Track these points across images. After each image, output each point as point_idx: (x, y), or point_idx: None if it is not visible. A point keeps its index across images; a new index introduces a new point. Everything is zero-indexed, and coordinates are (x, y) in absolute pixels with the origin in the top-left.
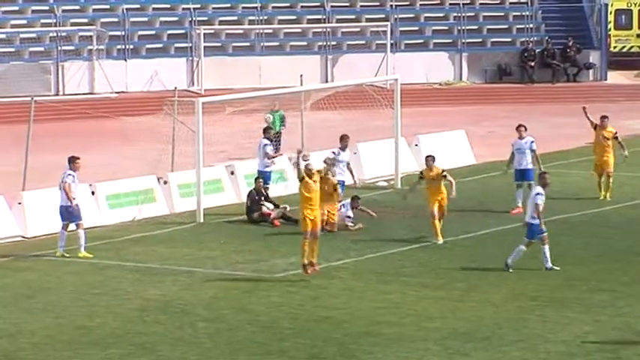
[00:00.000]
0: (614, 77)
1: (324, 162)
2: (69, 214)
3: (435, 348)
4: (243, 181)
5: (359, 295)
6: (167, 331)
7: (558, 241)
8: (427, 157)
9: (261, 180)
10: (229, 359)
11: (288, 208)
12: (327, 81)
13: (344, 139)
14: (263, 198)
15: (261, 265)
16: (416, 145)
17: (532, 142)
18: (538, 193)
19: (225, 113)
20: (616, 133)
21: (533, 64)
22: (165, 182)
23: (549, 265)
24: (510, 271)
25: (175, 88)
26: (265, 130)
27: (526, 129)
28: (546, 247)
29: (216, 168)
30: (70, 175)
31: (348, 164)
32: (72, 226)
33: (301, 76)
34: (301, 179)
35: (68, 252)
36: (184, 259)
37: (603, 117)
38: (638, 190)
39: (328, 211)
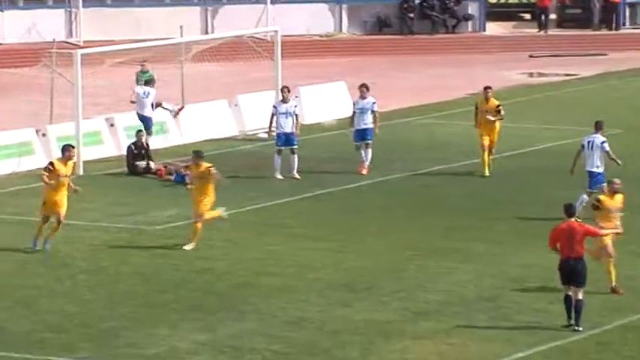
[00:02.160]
0: (493, 28)
1: None
2: None
3: (316, 299)
4: (123, 134)
5: (239, 246)
6: (47, 283)
7: (438, 192)
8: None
9: (142, 133)
10: (110, 311)
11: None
12: (207, 32)
13: (283, 91)
14: (144, 151)
15: (141, 218)
16: (296, 96)
17: (374, 102)
18: (604, 142)
19: (104, 65)
20: (499, 106)
21: (412, 15)
22: (43, 135)
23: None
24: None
25: (53, 39)
26: (146, 83)
27: (368, 89)
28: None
29: (95, 120)
30: None
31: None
32: None
33: (181, 27)
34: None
35: None
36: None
37: (487, 88)
38: (516, 142)
39: None
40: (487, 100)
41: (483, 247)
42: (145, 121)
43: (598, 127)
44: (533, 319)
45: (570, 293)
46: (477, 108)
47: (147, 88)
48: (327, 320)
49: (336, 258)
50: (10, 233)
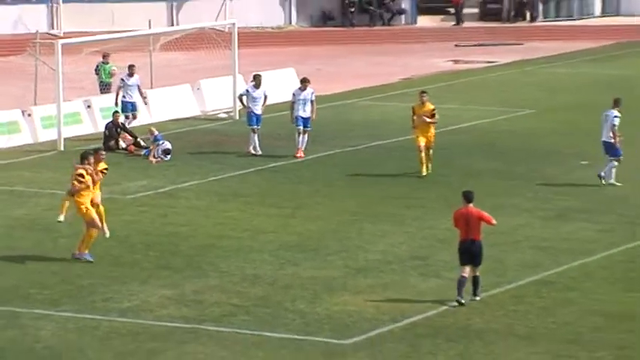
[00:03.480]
0: (423, 21)
1: None
2: None
3: (269, 258)
4: (99, 114)
5: (202, 213)
6: (32, 245)
7: (375, 165)
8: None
9: (118, 113)
10: (87, 270)
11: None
12: (172, 25)
13: (256, 78)
14: (119, 130)
15: (115, 188)
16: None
17: (312, 92)
18: (616, 116)
19: (82, 54)
20: (434, 109)
21: (353, 10)
22: (29, 115)
23: (612, 180)
24: (603, 182)
25: (37, 31)
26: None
27: (309, 82)
28: (614, 163)
29: (74, 102)
30: None
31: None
32: None
33: (149, 20)
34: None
35: None
36: (47, 182)
37: (422, 92)
38: (444, 120)
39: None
40: (423, 104)
41: (415, 212)
42: (133, 105)
43: (615, 103)
44: (459, 276)
45: (466, 275)
46: (413, 112)
47: (133, 78)
48: (279, 277)
49: (286, 222)
50: None
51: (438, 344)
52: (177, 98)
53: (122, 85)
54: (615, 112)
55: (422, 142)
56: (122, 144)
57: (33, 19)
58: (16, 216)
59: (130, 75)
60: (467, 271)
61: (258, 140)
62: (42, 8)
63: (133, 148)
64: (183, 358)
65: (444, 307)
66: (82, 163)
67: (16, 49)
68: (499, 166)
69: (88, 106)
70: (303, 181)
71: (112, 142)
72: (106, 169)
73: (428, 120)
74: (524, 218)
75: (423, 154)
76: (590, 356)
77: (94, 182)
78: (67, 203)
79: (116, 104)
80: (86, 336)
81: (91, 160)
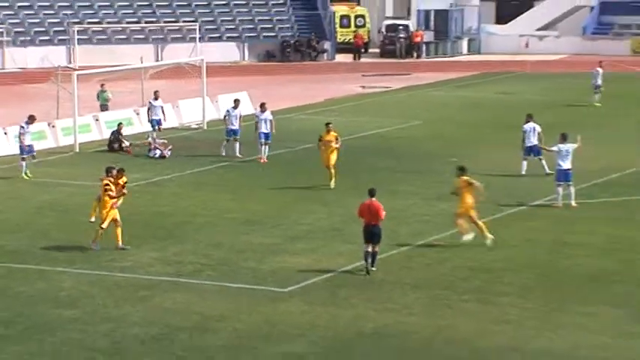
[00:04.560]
0: (340, 58)
1: None
2: (21, 150)
3: (229, 230)
4: (104, 126)
5: (181, 197)
6: (55, 222)
7: (307, 161)
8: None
9: (122, 124)
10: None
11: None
12: (158, 60)
13: (236, 101)
14: (120, 136)
15: None
16: (216, 101)
17: (270, 113)
18: (538, 125)
19: (92, 82)
20: (337, 136)
21: (289, 50)
22: (52, 126)
23: (547, 170)
24: (547, 171)
25: (58, 65)
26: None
27: (265, 106)
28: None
29: (86, 117)
30: (22, 126)
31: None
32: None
33: (141, 57)
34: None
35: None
36: (65, 175)
37: (327, 124)
38: (354, 129)
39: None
40: (328, 132)
41: (333, 197)
42: (158, 121)
43: (530, 117)
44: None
45: (369, 250)
46: (320, 139)
47: (158, 101)
48: (236, 243)
49: (242, 205)
50: (28, 189)
51: (351, 291)
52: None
53: (150, 106)
54: (535, 125)
55: (328, 162)
56: (125, 143)
57: (56, 56)
58: (43, 200)
59: (155, 99)
60: (369, 247)
61: (239, 147)
62: (62, 48)
63: (130, 150)
64: (166, 302)
65: (355, 265)
66: (106, 175)
67: (43, 78)
68: (394, 162)
69: (96, 120)
70: (255, 174)
71: (116, 145)
72: (125, 182)
73: (334, 145)
74: (412, 200)
75: (331, 171)
76: (459, 298)
77: (117, 192)
78: (95, 205)
79: (148, 120)
80: (95, 287)
81: (114, 173)
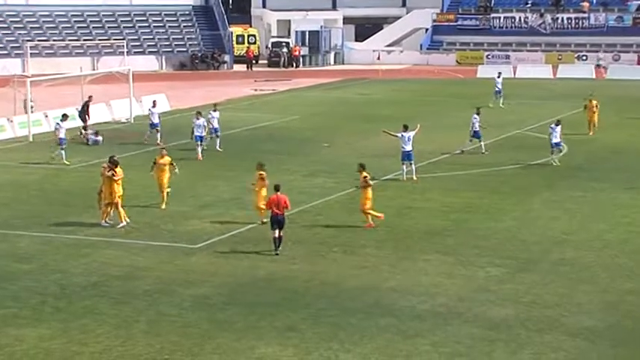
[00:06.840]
0: (237, 67)
1: None
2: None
3: (152, 201)
4: (52, 121)
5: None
6: (14, 196)
7: (214, 147)
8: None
9: (67, 116)
10: (45, 206)
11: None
12: (94, 70)
13: (198, 113)
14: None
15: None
16: (140, 101)
17: (204, 121)
18: (478, 116)
19: (42, 86)
20: (171, 161)
21: (197, 61)
22: (11, 121)
23: (484, 151)
24: (484, 152)
25: (15, 74)
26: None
27: (201, 114)
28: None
29: (37, 114)
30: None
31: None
32: None
33: (81, 67)
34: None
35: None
36: (22, 159)
37: (162, 149)
38: (249, 122)
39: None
40: (162, 157)
41: (233, 174)
42: (155, 125)
43: (477, 111)
44: (271, 237)
45: (276, 235)
46: (155, 162)
47: (155, 109)
48: (157, 211)
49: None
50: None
51: (247, 247)
52: (98, 111)
53: (149, 113)
54: (476, 116)
55: (162, 181)
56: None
57: (13, 67)
58: (5, 179)
59: (154, 106)
60: (276, 233)
61: (201, 149)
62: (18, 61)
63: (84, 134)
64: (103, 257)
65: (251, 226)
66: (115, 165)
67: (3, 84)
68: (279, 147)
69: (46, 116)
70: (174, 158)
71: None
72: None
73: (176, 171)
74: (293, 176)
75: (164, 194)
76: (330, 250)
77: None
78: (99, 198)
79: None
80: (46, 246)
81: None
